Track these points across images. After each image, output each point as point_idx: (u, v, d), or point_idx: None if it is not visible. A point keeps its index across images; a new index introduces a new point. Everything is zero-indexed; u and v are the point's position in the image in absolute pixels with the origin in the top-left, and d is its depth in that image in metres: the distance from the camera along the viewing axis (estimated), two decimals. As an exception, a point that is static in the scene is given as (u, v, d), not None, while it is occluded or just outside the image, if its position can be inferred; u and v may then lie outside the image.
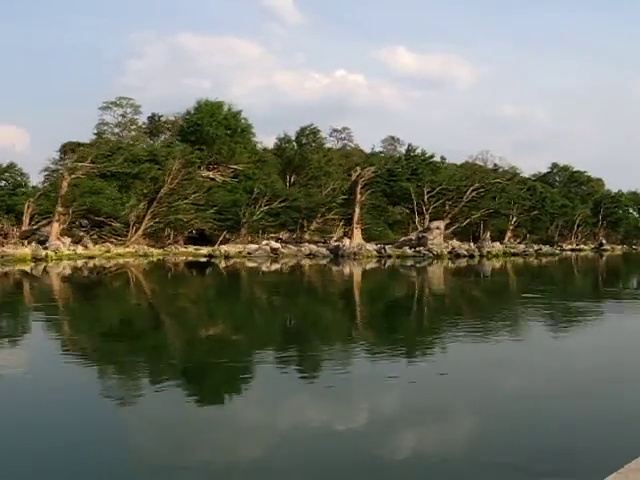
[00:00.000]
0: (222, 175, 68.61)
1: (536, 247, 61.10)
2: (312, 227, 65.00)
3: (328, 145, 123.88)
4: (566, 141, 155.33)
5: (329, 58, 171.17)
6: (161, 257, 50.48)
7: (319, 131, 74.59)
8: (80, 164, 50.87)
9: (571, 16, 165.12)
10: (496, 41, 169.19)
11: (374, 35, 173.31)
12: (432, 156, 59.68)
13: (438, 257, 45.24)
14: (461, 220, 54.03)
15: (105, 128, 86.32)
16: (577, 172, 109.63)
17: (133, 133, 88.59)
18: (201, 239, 63.97)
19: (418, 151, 60.60)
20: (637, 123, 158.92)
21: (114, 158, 52.63)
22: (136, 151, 55.82)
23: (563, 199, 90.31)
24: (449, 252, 47.72)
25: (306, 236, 65.47)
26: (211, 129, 67.25)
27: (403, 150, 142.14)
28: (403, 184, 52.43)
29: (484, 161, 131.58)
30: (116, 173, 52.62)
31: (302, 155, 73.77)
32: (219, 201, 62.66)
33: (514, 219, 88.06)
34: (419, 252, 46.51)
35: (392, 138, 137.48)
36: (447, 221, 54.74)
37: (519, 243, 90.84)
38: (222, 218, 62.75)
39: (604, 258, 67.58)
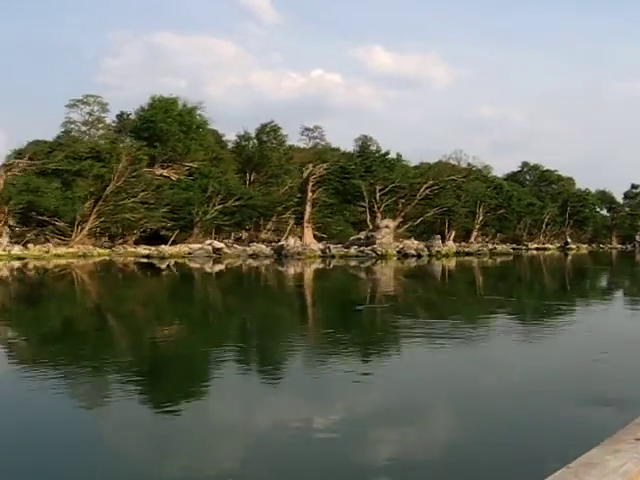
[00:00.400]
0: (177, 173, 65.96)
1: (491, 246, 58.94)
2: (268, 227, 62.64)
3: (301, 144, 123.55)
4: (542, 142, 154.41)
5: (306, 57, 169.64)
6: (107, 257, 47.88)
7: (280, 128, 72.07)
8: (17, 161, 48.15)
9: (548, 18, 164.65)
10: (473, 42, 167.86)
11: (351, 34, 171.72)
12: (387, 153, 57.29)
13: (382, 257, 42.92)
14: (414, 219, 51.73)
15: (72, 126, 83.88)
16: (547, 171, 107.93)
17: (101, 131, 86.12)
18: (155, 239, 61.53)
19: (373, 148, 58.25)
20: (611, 124, 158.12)
21: (54, 155, 49.94)
22: (77, 148, 53.03)
23: (530, 197, 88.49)
24: (398, 252, 45.42)
25: (262, 235, 63.19)
26: (165, 125, 64.65)
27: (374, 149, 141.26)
28: (355, 181, 50.09)
29: (458, 160, 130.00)
30: (57, 170, 49.90)
31: (262, 153, 71.29)
32: (171, 199, 60.12)
33: (480, 218, 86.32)
34: (362, 252, 44.16)
35: (365, 137, 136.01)
36: (400, 219, 52.51)
37: (487, 242, 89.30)
38: (175, 217, 60.37)
39: (569, 257, 65.70)
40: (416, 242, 47.89)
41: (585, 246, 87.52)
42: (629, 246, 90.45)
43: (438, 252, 45.30)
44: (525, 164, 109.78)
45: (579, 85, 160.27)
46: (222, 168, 67.64)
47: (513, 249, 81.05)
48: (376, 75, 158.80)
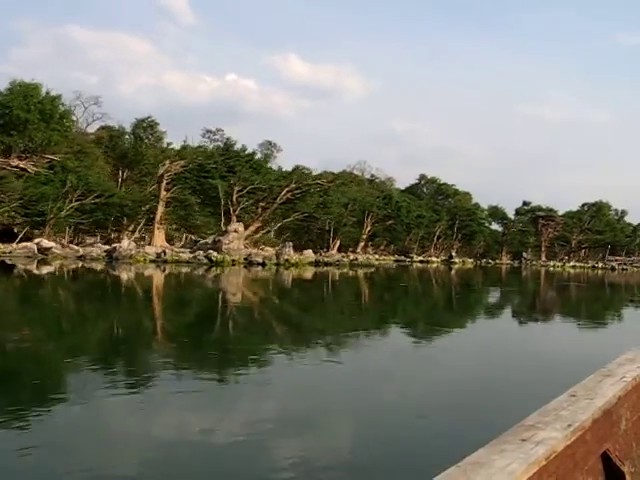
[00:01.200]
0: (35, 165, 59.30)
1: (376, 257, 54.97)
2: (132, 227, 56.76)
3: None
4: (450, 157, 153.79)
5: (221, 61, 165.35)
6: None
7: (157, 124, 66.20)
8: None
9: (462, 38, 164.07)
10: (388, 55, 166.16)
11: (268, 41, 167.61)
12: (253, 154, 52.40)
13: (218, 264, 37.86)
14: (272, 224, 47.02)
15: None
16: (444, 184, 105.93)
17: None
18: (6, 235, 54.88)
19: (238, 146, 53.26)
20: (520, 141, 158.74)
21: None
22: None
23: (420, 209, 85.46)
24: (245, 259, 40.56)
25: (125, 236, 57.28)
26: (22, 113, 57.85)
27: (279, 156, 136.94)
28: (212, 181, 45.02)
29: (361, 171, 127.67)
30: None
31: (137, 149, 65.33)
32: (23, 193, 53.53)
33: (368, 228, 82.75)
34: (195, 258, 38.99)
35: (269, 143, 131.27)
36: (258, 224, 47.75)
37: (374, 253, 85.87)
38: (28, 213, 53.89)
39: (451, 271, 62.52)
40: (270, 249, 43.14)
41: (471, 260, 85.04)
42: (517, 262, 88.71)
43: (287, 261, 40.60)
44: (422, 177, 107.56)
45: (489, 102, 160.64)
46: (87, 162, 61.41)
47: (396, 261, 77.84)
48: (291, 83, 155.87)
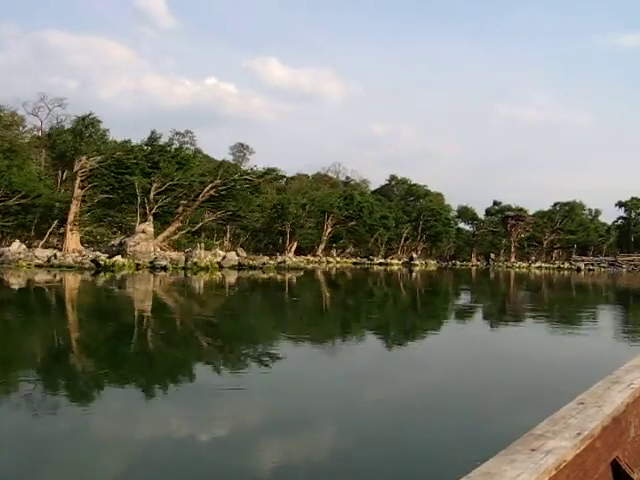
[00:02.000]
0: (-41, 165, 54.28)
1: (280, 259, 49.71)
2: (57, 230, 51.58)
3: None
4: (431, 158, 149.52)
5: (200, 65, 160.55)
6: None
7: (99, 122, 61.09)
8: None
9: (441, 40, 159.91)
10: (367, 58, 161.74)
11: (247, 45, 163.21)
12: (180, 148, 46.94)
13: (107, 269, 32.52)
14: (192, 224, 41.84)
15: None
16: (414, 185, 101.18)
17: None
18: None
19: (164, 140, 47.96)
20: (500, 143, 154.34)
21: None
22: None
23: (384, 210, 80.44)
24: (150, 262, 35.39)
25: (53, 241, 52.15)
26: (-57, 109, 53.03)
27: (251, 158, 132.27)
28: (130, 177, 39.84)
29: (336, 173, 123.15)
30: None
31: (77, 148, 60.20)
32: None
33: (329, 230, 77.76)
34: (80, 262, 33.68)
35: (241, 145, 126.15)
36: (178, 224, 42.68)
37: (338, 255, 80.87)
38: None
39: (407, 274, 57.60)
40: (176, 253, 37.81)
41: (434, 262, 79.98)
42: (486, 263, 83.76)
43: (195, 264, 35.36)
44: (393, 177, 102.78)
45: (467, 105, 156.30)
46: (17, 162, 56.32)
47: (355, 264, 72.82)
48: (271, 87, 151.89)
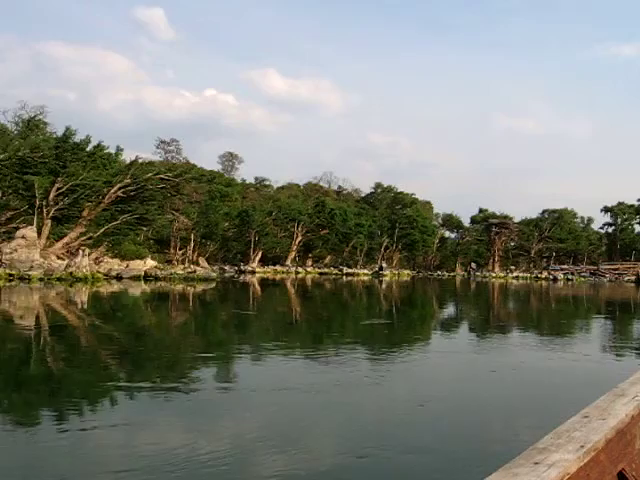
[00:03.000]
0: None
1: (190, 269, 43.60)
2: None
3: (155, 157, 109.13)
4: (430, 169, 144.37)
5: (200, 76, 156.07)
6: None
7: (47, 123, 56.51)
8: None
9: (437, 53, 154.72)
10: (365, 69, 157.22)
11: (246, 56, 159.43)
12: (99, 146, 41.49)
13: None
14: (94, 229, 36.67)
15: None
16: (400, 193, 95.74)
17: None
18: None
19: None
20: (495, 154, 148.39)
21: None
22: None
23: (359, 218, 75.05)
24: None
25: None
26: None
27: (241, 167, 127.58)
28: (27, 177, 35.02)
29: (328, 182, 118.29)
30: None
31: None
32: None
33: (299, 238, 72.59)
34: None
35: (230, 154, 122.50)
36: (81, 229, 37.69)
37: (313, 265, 75.61)
38: None
39: (376, 285, 52.35)
40: (59, 261, 32.55)
41: (408, 272, 74.22)
42: (466, 273, 77.84)
43: (72, 274, 29.84)
44: (378, 185, 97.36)
45: (465, 116, 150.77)
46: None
47: (322, 274, 67.42)
48: (270, 98, 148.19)
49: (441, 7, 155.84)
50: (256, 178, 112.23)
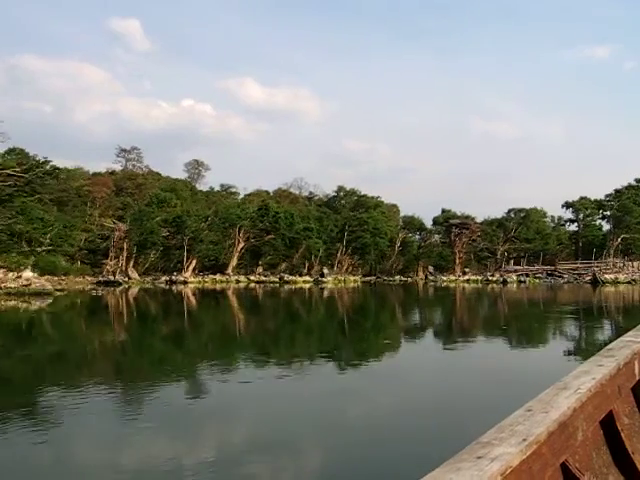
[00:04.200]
0: None
1: (23, 282, 36.64)
2: None
3: (114, 166, 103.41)
4: (408, 174, 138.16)
5: (176, 87, 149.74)
6: None
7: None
8: None
9: (414, 59, 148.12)
10: (341, 76, 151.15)
11: (222, 66, 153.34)
12: None
13: None
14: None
15: None
16: (363, 196, 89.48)
17: None
18: None
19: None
20: (471, 157, 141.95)
21: None
22: None
23: (306, 222, 68.72)
24: None
25: None
26: None
27: (208, 175, 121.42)
28: None
29: (299, 188, 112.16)
30: None
31: None
32: None
33: (241, 245, 66.28)
34: None
35: (196, 162, 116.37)
36: None
37: (260, 273, 69.33)
38: None
39: (323, 292, 46.32)
40: None
41: (354, 278, 67.83)
42: (424, 277, 71.32)
43: None
44: (341, 188, 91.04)
45: (444, 122, 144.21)
46: None
47: (259, 282, 61.03)
48: (247, 107, 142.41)
49: (412, 12, 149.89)
50: (222, 185, 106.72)
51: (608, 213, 71.98)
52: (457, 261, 74.02)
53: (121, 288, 52.61)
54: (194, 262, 60.39)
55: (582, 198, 72.77)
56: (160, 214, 63.67)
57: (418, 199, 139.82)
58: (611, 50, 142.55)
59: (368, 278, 70.39)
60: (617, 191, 72.44)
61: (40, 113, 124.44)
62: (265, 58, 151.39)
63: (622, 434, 2.70)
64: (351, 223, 68.79)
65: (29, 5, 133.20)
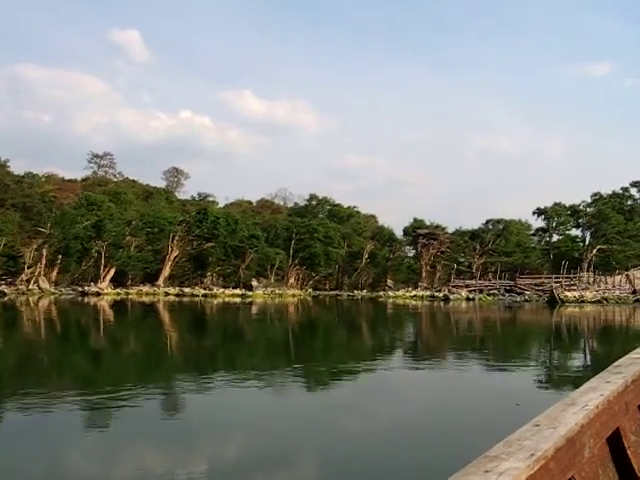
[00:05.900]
0: None
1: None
2: None
3: (87, 172, 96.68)
4: (406, 188, 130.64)
5: (175, 98, 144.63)
6: None
7: None
8: None
9: (411, 73, 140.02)
10: (339, 90, 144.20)
11: (221, 78, 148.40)
12: None
13: None
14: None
15: None
16: (337, 205, 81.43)
17: None
18: None
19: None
20: (469, 172, 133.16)
21: None
22: None
23: (254, 229, 60.32)
24: None
25: None
26: None
27: (187, 183, 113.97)
28: None
29: (284, 199, 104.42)
30: None
31: None
32: None
33: (175, 253, 58.07)
34: None
35: (176, 170, 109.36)
36: None
37: (203, 286, 61.01)
38: None
39: (238, 310, 38.12)
40: None
41: (292, 293, 58.77)
42: (382, 292, 61.98)
43: None
44: (313, 197, 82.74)
45: (441, 136, 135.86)
46: None
47: (178, 295, 52.52)
48: (246, 120, 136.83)
49: (411, 28, 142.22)
50: (200, 194, 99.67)
51: (583, 221, 61.41)
52: (423, 274, 64.57)
53: (23, 298, 45.36)
54: (112, 271, 52.29)
55: (556, 204, 62.31)
56: (91, 218, 56.11)
57: (418, 213, 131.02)
58: (611, 67, 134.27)
59: (322, 292, 61.51)
60: (595, 195, 62.10)
61: (39, 122, 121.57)
62: (263, 71, 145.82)
63: (629, 451, 2.61)
64: (299, 230, 59.94)
65: (30, 15, 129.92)
